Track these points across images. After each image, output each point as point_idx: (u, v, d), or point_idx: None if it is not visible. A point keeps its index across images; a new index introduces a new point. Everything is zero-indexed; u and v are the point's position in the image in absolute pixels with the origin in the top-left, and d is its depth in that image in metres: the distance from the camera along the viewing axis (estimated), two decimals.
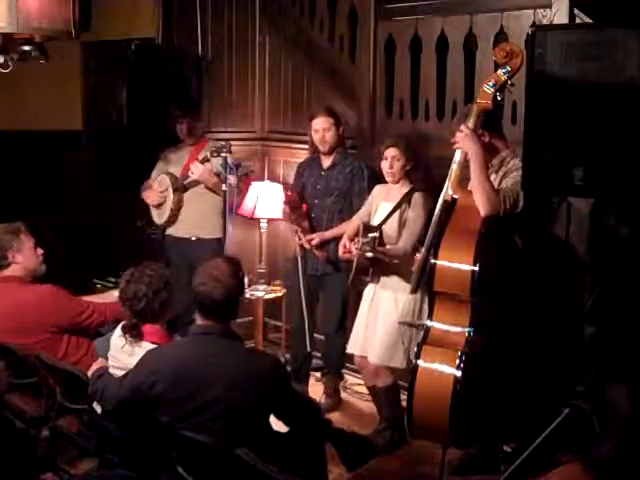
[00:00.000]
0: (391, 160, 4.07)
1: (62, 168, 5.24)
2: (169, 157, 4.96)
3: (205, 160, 4.60)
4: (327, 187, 4.55)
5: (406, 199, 4.07)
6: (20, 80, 4.35)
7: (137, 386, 2.79)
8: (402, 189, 4.12)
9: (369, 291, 4.18)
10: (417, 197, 4.06)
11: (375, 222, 4.12)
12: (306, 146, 4.76)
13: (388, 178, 4.14)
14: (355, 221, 4.24)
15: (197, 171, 4.65)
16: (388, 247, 4.02)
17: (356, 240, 4.00)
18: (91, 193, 5.28)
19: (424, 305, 3.89)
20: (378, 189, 4.27)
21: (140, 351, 3.03)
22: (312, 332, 4.65)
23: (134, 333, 3.12)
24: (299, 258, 4.62)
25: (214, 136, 5.19)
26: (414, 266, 3.81)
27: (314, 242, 4.49)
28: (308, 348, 4.64)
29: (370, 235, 3.91)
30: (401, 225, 4.07)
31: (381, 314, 4.08)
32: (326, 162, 4.58)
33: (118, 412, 2.90)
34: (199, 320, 2.88)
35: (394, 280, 4.06)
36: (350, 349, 4.25)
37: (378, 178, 4.28)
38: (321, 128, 4.49)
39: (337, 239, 4.30)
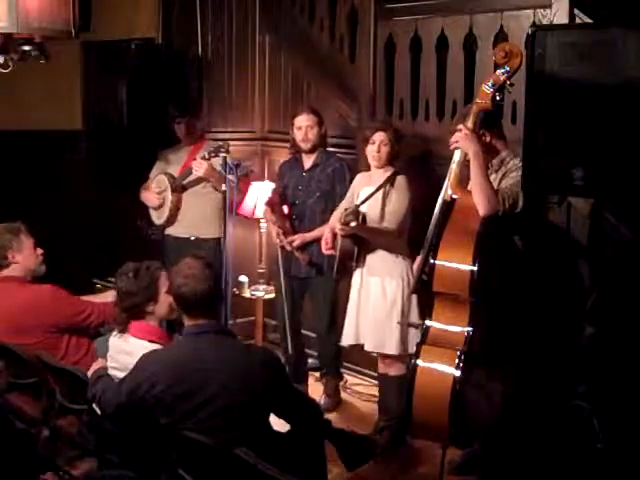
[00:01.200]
0: (379, 144, 4.07)
1: (62, 168, 5.24)
2: (168, 157, 4.96)
3: (204, 159, 4.60)
4: (308, 188, 4.54)
5: (389, 181, 4.07)
6: (20, 80, 4.34)
7: (136, 389, 2.79)
8: (385, 172, 4.11)
9: (357, 278, 4.17)
10: (400, 179, 4.06)
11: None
12: None
13: (374, 162, 4.13)
14: (337, 214, 4.20)
15: (202, 168, 4.64)
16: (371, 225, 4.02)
17: (339, 217, 3.95)
18: (91, 193, 5.29)
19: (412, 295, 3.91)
20: (359, 177, 4.28)
21: (138, 349, 3.03)
22: (295, 334, 4.65)
23: (122, 328, 3.17)
24: (280, 260, 4.61)
25: (214, 136, 5.19)
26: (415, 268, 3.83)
27: (295, 243, 4.47)
28: (290, 350, 4.63)
29: (354, 204, 3.88)
30: (384, 206, 4.05)
31: (371, 301, 4.08)
32: (307, 162, 4.57)
33: (118, 415, 2.90)
34: (188, 321, 2.89)
35: (381, 264, 4.06)
36: (344, 340, 4.22)
37: None
38: (304, 125, 4.47)
39: (319, 241, 4.28)
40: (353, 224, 3.86)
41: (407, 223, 4.05)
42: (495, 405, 3.23)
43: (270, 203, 4.58)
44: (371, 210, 4.04)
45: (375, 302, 4.06)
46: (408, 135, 4.55)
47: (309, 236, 4.47)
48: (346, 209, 4.00)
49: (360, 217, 3.93)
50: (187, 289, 2.83)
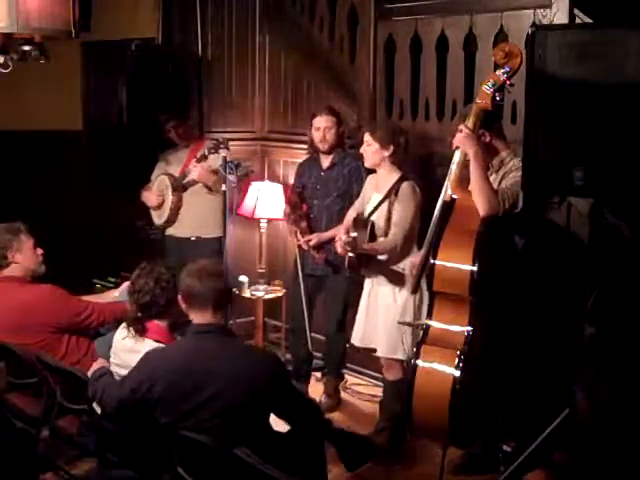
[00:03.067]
0: (365, 144, 4.09)
1: (62, 168, 5.24)
2: (168, 158, 4.97)
3: (203, 158, 4.60)
4: (326, 188, 4.56)
5: (393, 190, 4.06)
6: (20, 80, 4.34)
7: (137, 386, 2.79)
8: (391, 177, 4.09)
9: (367, 286, 4.17)
10: (404, 188, 4.03)
11: (366, 215, 4.11)
12: (306, 146, 4.76)
13: (365, 163, 4.16)
14: (351, 214, 4.22)
15: (195, 171, 4.66)
16: (380, 240, 4.01)
17: (339, 238, 3.95)
18: (91, 193, 5.28)
19: (424, 300, 3.89)
20: (369, 180, 4.28)
21: (142, 348, 3.03)
22: (311, 331, 4.66)
23: (137, 327, 3.14)
24: (298, 258, 4.63)
25: (214, 136, 5.18)
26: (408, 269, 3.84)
27: (312, 243, 4.48)
28: (310, 347, 4.64)
29: (351, 234, 3.88)
30: (390, 216, 4.04)
31: (381, 308, 4.07)
32: (325, 162, 4.58)
33: (119, 413, 2.89)
34: (196, 319, 2.89)
35: (390, 275, 4.04)
36: (352, 340, 4.25)
37: None
38: (323, 127, 4.48)
39: (335, 240, 4.28)
40: (351, 255, 3.87)
41: (415, 230, 4.03)
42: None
43: (290, 202, 4.60)
44: (379, 219, 4.05)
45: (386, 309, 4.05)
46: (408, 135, 4.55)
47: (325, 235, 4.48)
48: (355, 218, 4.02)
49: (369, 226, 3.96)
50: (218, 285, 2.87)
